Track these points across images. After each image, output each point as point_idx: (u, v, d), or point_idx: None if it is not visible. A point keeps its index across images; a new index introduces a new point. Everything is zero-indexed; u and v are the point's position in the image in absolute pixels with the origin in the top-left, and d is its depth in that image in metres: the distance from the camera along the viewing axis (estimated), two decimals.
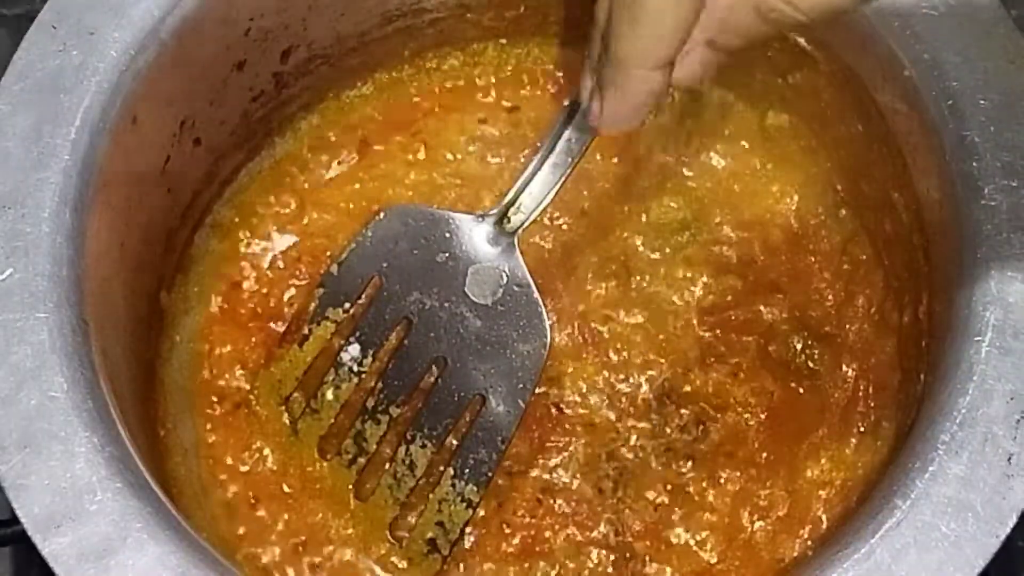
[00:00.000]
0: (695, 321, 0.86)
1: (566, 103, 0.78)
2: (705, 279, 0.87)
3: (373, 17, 0.87)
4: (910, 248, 0.78)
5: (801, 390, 0.84)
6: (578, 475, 0.82)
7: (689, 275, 0.87)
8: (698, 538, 0.81)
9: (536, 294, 0.80)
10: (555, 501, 0.82)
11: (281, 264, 0.89)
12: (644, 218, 0.88)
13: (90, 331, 0.68)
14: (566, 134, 0.78)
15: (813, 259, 0.87)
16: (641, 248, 0.88)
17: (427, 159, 0.91)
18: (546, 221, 0.88)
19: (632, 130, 0.71)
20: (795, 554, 0.79)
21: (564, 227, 0.89)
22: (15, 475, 0.63)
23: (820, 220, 0.88)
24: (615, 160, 0.90)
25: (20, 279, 0.67)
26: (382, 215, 0.82)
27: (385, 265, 0.81)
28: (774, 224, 0.88)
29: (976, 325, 0.67)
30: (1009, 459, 0.64)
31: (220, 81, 0.81)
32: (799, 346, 0.85)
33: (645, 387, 0.84)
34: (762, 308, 0.86)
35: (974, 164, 0.70)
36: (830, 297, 0.86)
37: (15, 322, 0.66)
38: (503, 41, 0.92)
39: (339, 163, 0.91)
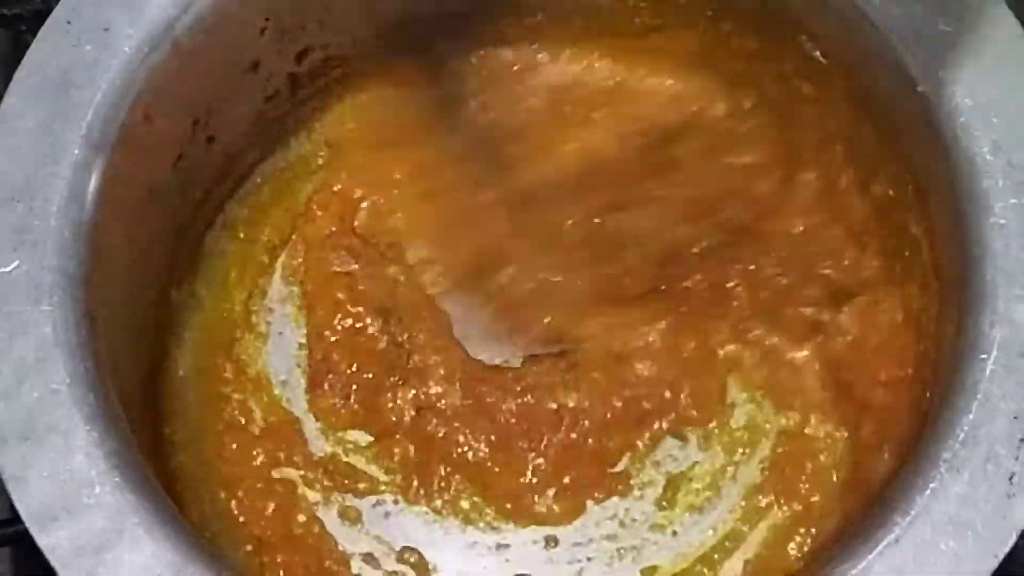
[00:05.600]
0: None
1: None
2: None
3: (390, 21, 0.87)
4: (921, 265, 0.77)
5: None
6: None
7: None
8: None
9: None
10: None
11: (292, 264, 0.89)
12: None
13: (95, 326, 0.68)
14: None
15: None
16: None
17: None
18: None
19: None
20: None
21: None
22: (15, 467, 0.63)
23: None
24: None
25: (26, 272, 0.67)
26: None
27: None
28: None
29: (982, 343, 0.67)
30: (1011, 478, 0.64)
31: (234, 80, 0.81)
32: None
33: None
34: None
35: (984, 183, 0.69)
36: None
37: (20, 314, 0.66)
38: (521, 47, 0.92)
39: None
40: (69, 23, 0.72)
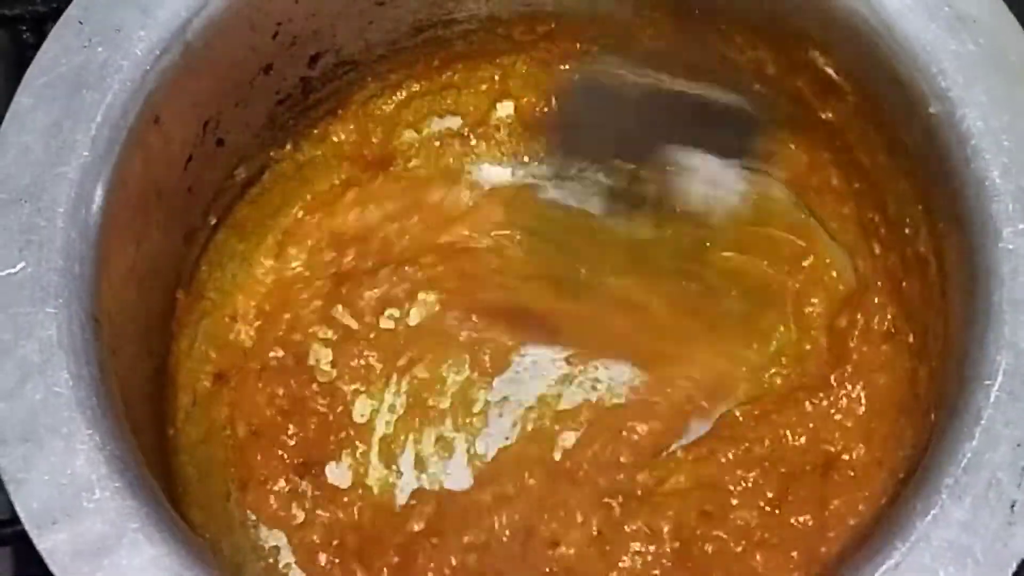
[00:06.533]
0: None
1: None
2: None
3: (403, 26, 0.87)
4: (928, 286, 0.77)
5: None
6: None
7: None
8: None
9: None
10: None
11: (301, 267, 0.89)
12: None
13: (100, 328, 0.68)
14: None
15: None
16: None
17: None
18: None
19: None
20: None
21: None
22: (15, 469, 0.63)
23: None
24: None
25: (32, 273, 0.67)
26: None
27: None
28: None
29: (987, 369, 0.66)
30: (1012, 506, 0.63)
31: (246, 83, 0.81)
32: None
33: None
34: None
35: (994, 207, 0.69)
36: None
37: (24, 316, 0.66)
38: (534, 56, 0.92)
39: (364, 170, 0.91)
40: (81, 23, 0.72)
